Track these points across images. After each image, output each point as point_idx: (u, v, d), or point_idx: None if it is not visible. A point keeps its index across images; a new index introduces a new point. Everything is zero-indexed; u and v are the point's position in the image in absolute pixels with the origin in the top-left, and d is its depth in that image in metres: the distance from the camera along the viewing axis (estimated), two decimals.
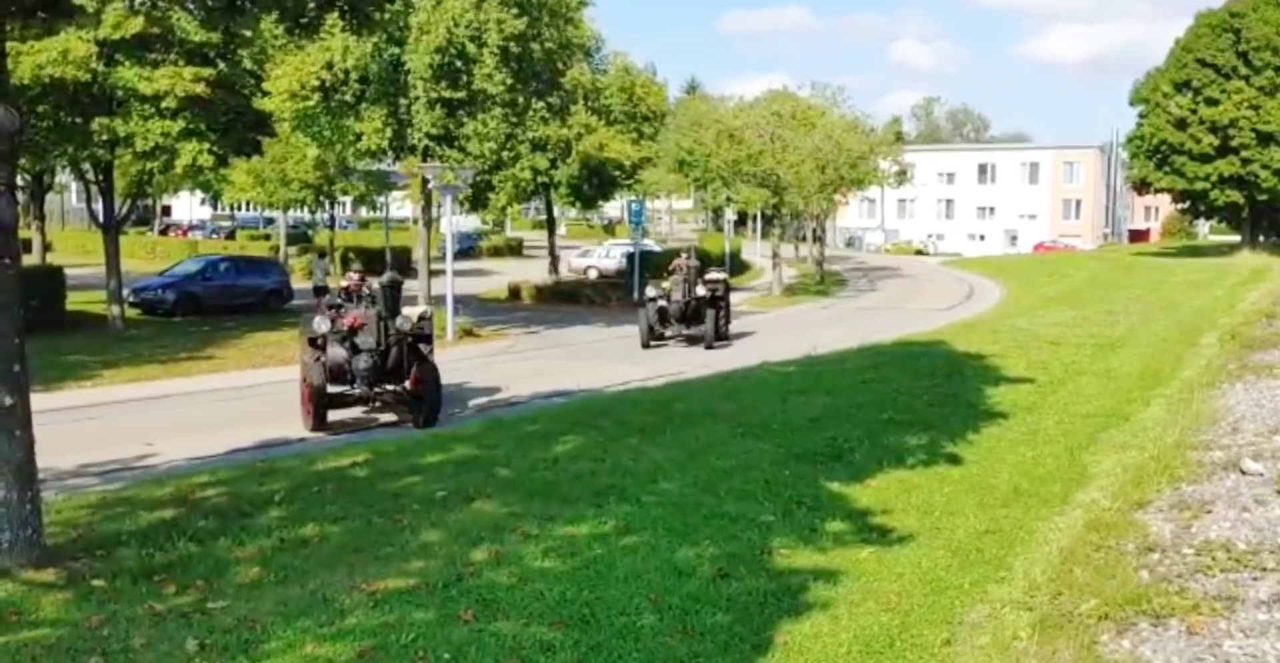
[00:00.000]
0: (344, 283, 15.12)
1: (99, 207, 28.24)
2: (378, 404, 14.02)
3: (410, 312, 13.91)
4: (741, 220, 59.22)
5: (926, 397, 12.70)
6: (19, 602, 5.86)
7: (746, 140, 41.29)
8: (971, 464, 9.43)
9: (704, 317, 23.04)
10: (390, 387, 13.67)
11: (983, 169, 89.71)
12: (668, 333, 23.63)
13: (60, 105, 24.35)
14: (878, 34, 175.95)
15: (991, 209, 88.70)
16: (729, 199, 45.19)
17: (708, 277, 24.11)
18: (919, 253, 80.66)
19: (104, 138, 25.06)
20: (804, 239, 61.43)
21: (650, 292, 24.22)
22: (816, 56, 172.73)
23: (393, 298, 13.46)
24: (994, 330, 21.50)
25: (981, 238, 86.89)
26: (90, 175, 28.42)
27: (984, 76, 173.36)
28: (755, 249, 54.53)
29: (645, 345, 22.86)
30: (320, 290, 15.69)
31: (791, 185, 42.02)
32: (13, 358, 6.28)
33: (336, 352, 13.41)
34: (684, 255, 25.44)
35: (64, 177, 44.02)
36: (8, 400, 6.24)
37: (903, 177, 51.72)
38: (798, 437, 10.38)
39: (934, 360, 16.19)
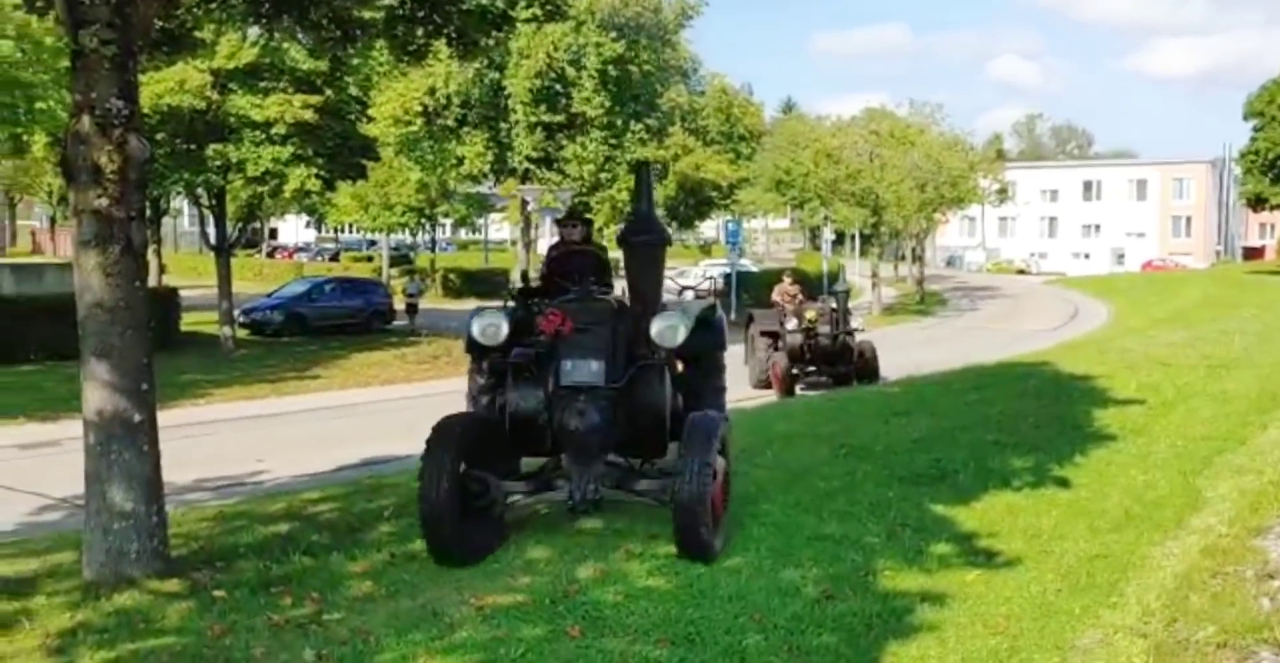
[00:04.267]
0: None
1: (211, 230, 29.22)
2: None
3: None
4: (839, 239, 58.86)
5: (1032, 419, 12.46)
6: (146, 610, 6.09)
7: (844, 159, 41.11)
8: (1080, 488, 9.23)
9: (851, 354, 19.79)
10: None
11: (1088, 186, 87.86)
12: (805, 372, 20.07)
13: (177, 133, 25.33)
14: (976, 51, 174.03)
15: (1097, 227, 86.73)
16: (827, 218, 44.97)
17: (824, 303, 20.77)
18: (1021, 272, 79.18)
19: (217, 163, 25.99)
20: (903, 258, 60.78)
21: (761, 324, 20.80)
22: (913, 75, 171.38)
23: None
24: (1101, 351, 21.00)
25: (1086, 256, 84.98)
26: (204, 200, 29.44)
27: (1088, 92, 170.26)
28: (853, 268, 54.06)
29: (762, 385, 19.57)
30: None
31: (890, 204, 41.71)
32: (142, 376, 6.56)
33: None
34: (787, 279, 22.31)
35: (178, 201, 45.61)
36: (137, 417, 6.50)
37: (1004, 194, 50.98)
38: (901, 458, 10.27)
39: (1039, 382, 15.88)
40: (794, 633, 5.74)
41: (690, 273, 49.24)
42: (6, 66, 16.65)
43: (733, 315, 36.26)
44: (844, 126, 44.80)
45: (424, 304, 34.02)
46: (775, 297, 21.31)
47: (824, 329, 19.74)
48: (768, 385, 19.34)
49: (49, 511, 10.56)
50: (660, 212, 39.09)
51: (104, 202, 6.43)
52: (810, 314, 19.92)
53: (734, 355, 16.92)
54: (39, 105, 19.72)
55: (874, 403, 14.41)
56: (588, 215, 10.24)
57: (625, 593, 6.30)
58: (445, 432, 6.87)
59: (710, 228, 70.88)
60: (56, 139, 21.61)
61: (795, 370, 19.43)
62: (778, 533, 7.68)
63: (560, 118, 27.90)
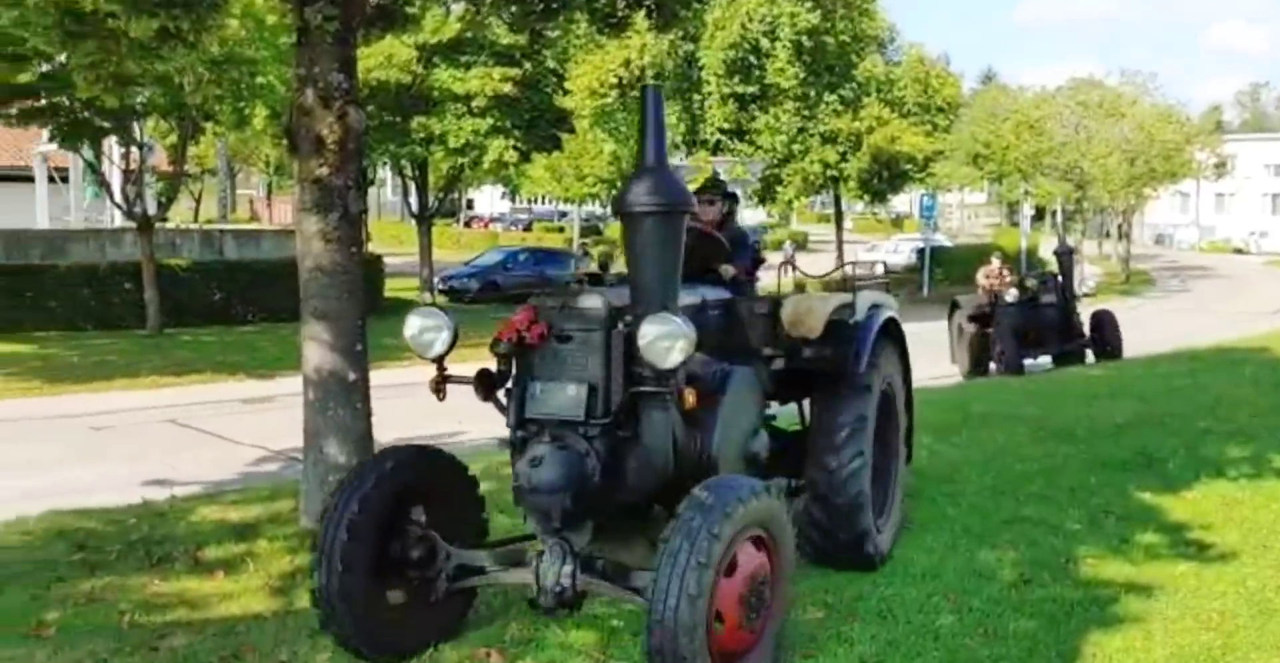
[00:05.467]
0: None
1: (414, 200, 30.36)
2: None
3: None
4: (1038, 215, 56.61)
5: (1250, 407, 11.75)
6: None
7: (1048, 131, 39.48)
8: None
9: (1079, 327, 17.69)
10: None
11: None
12: (1030, 352, 17.38)
13: (384, 106, 26.33)
14: (1193, 17, 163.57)
15: None
16: (1027, 193, 43.33)
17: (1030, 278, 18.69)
18: (1238, 252, 74.43)
19: (421, 136, 26.94)
20: (1107, 235, 58.09)
21: (967, 308, 18.02)
22: (1123, 43, 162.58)
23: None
24: None
25: None
26: (408, 171, 30.56)
27: None
28: (1053, 246, 51.93)
29: (977, 372, 17.46)
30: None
31: (1096, 179, 39.89)
32: (357, 337, 6.90)
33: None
34: (995, 261, 19.06)
35: (382, 172, 47.50)
36: (351, 376, 6.85)
37: (1222, 169, 48.00)
38: (1104, 443, 9.86)
39: (1258, 368, 14.94)
40: (990, 616, 5.61)
41: (881, 247, 48.29)
42: (232, 44, 17.59)
43: (924, 291, 35.45)
44: (1048, 97, 42.96)
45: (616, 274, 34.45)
46: (981, 279, 18.49)
47: (1048, 298, 17.45)
48: (984, 373, 17.32)
49: (267, 461, 11.21)
50: (853, 184, 38.23)
51: (325, 170, 6.76)
52: (1030, 283, 17.82)
53: (927, 342, 16.47)
54: (260, 80, 20.81)
55: (1076, 385, 13.86)
56: (732, 187, 7.09)
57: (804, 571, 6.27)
58: (370, 467, 5.04)
59: (903, 202, 69.26)
60: (275, 112, 22.81)
61: (1018, 350, 16.92)
62: (972, 513, 7.51)
63: (753, 89, 27.75)
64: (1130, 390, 13.03)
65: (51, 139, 22.83)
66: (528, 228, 64.30)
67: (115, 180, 22.90)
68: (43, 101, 19.58)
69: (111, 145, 23.21)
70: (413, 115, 27.11)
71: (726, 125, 27.98)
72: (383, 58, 25.17)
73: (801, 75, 28.02)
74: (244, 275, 24.77)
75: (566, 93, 28.43)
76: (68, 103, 19.33)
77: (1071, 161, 39.42)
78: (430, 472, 5.24)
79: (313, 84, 6.80)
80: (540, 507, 4.69)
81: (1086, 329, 17.93)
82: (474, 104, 27.08)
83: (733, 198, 6.82)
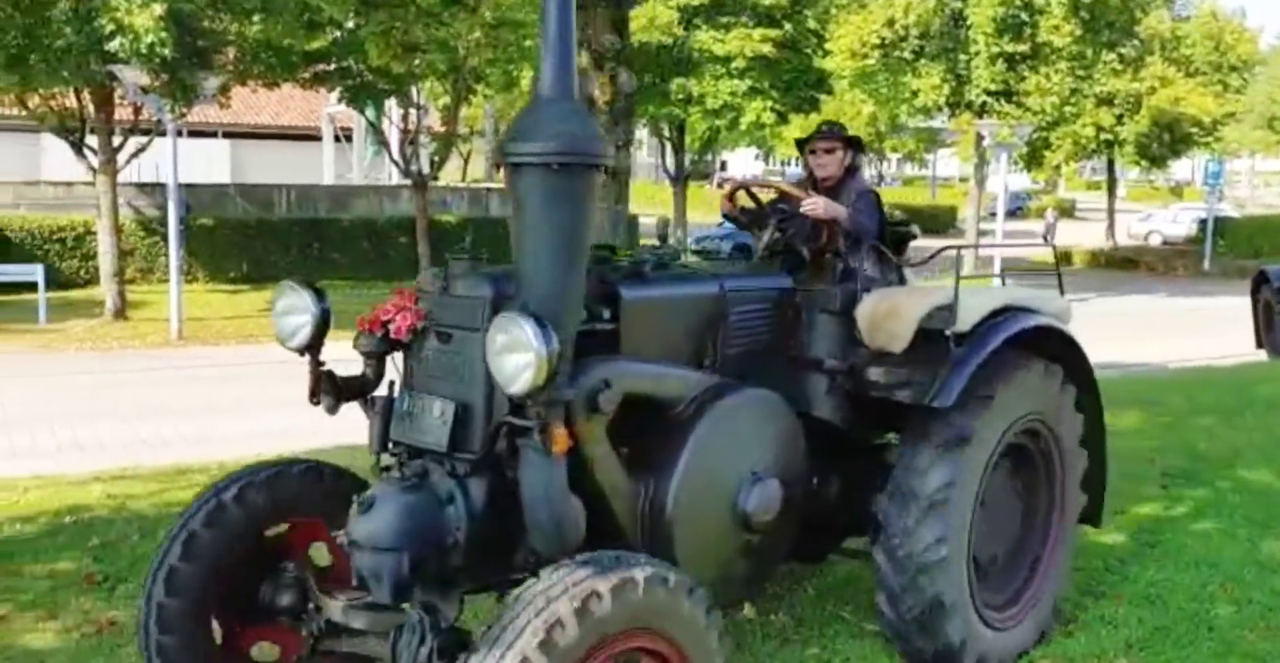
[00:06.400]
0: None
1: (670, 161, 30.78)
2: None
3: None
4: None
5: None
6: None
7: None
8: None
9: None
10: None
11: None
12: None
13: (645, 67, 26.71)
14: None
15: None
16: None
17: None
18: None
19: (680, 97, 27.21)
20: None
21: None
22: None
23: None
24: None
25: None
26: (665, 132, 30.97)
27: None
28: None
29: None
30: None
31: None
32: None
33: None
34: None
35: (638, 132, 48.31)
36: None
37: None
38: None
39: None
40: (1273, 610, 5.26)
41: (1157, 217, 45.31)
42: (504, 8, 18.25)
43: (1206, 264, 33.14)
44: None
45: None
46: None
47: None
48: None
49: None
50: (1129, 148, 35.94)
51: None
52: None
53: (1212, 318, 15.25)
54: (528, 43, 21.54)
55: None
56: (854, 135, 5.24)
57: (1079, 548, 6.04)
58: (209, 496, 3.84)
59: (1183, 168, 64.73)
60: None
61: None
62: (1255, 501, 7.03)
63: (1024, 47, 26.42)
64: None
65: (339, 101, 24.43)
66: None
67: (394, 140, 24.30)
68: (332, 66, 20.97)
69: (391, 107, 24.61)
70: (672, 77, 27.42)
71: (993, 86, 26.77)
72: (645, 20, 25.50)
73: (1078, 33, 26.45)
74: (508, 231, 25.79)
75: (827, 54, 28.00)
76: (354, 67, 20.61)
77: None
78: (313, 494, 3.95)
79: (586, 46, 7.00)
80: (366, 569, 3.43)
81: None
82: (733, 65, 27.12)
83: (856, 145, 5.14)
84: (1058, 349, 4.87)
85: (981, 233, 28.50)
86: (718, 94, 27.16)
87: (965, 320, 4.45)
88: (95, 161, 18.10)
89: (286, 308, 3.85)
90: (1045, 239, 39.66)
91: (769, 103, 27.53)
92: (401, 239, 24.14)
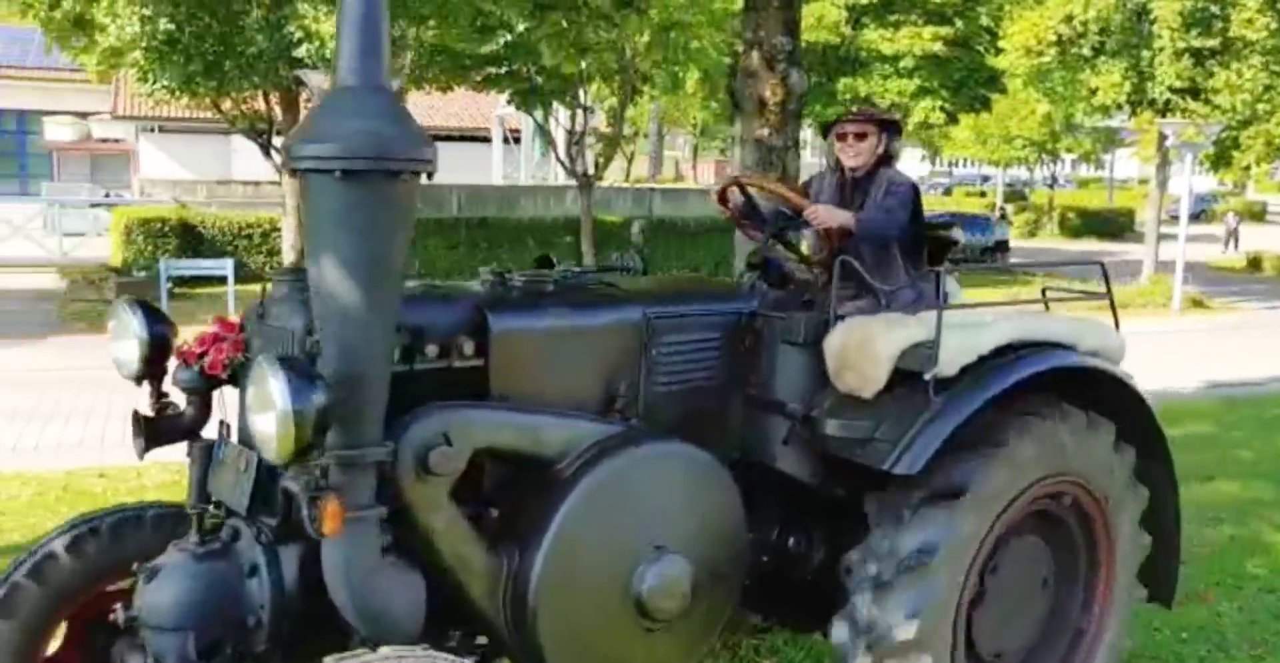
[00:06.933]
0: None
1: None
2: None
3: None
4: None
5: None
6: None
7: None
8: None
9: None
10: None
11: None
12: None
13: (811, 67, 26.50)
14: None
15: None
16: None
17: None
18: None
19: (847, 97, 26.91)
20: None
21: None
22: None
23: None
24: None
25: None
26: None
27: None
28: None
29: None
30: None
31: None
32: None
33: None
34: None
35: (803, 133, 47.94)
36: None
37: None
38: None
39: None
40: None
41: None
42: (671, 10, 18.40)
43: None
44: None
45: (1039, 243, 33.03)
46: None
47: None
48: None
49: None
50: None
51: (765, 131, 6.99)
52: None
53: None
54: (694, 45, 21.66)
55: None
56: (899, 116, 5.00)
57: (1271, 565, 5.76)
58: (56, 534, 3.34)
59: None
60: (707, 75, 23.67)
61: None
62: None
63: (1213, 42, 25.16)
64: None
65: (509, 103, 25.02)
66: (947, 192, 62.61)
67: (560, 141, 24.72)
68: (503, 69, 21.53)
69: (558, 109, 25.08)
70: (838, 76, 27.14)
71: (1179, 83, 25.58)
72: (813, 19, 25.31)
73: (1273, 26, 25.04)
74: (670, 231, 26.00)
75: (1000, 52, 27.26)
76: (525, 70, 21.12)
77: None
78: (166, 544, 3.15)
79: (758, 46, 7.01)
80: (152, 650, 2.94)
81: None
82: (901, 64, 26.68)
83: (893, 129, 4.33)
84: (1111, 397, 3.95)
85: (1162, 237, 27.28)
86: (885, 94, 26.74)
87: (952, 361, 3.55)
88: (281, 162, 19.06)
89: (117, 331, 3.31)
90: (1228, 244, 37.73)
91: (938, 102, 26.98)
92: (566, 238, 24.58)
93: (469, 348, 3.18)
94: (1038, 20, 26.12)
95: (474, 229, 25.00)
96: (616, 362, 3.51)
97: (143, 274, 20.04)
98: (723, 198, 4.36)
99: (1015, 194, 56.32)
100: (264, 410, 2.69)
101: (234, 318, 3.27)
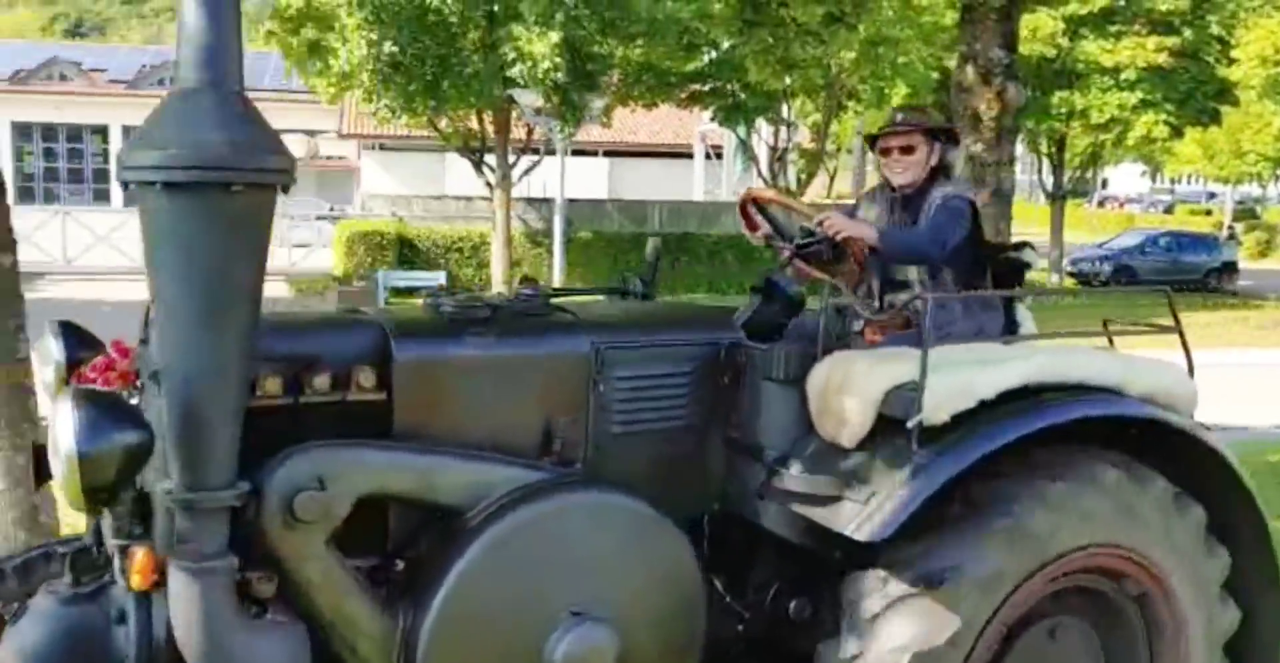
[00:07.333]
0: None
1: (1048, 178, 29.44)
2: None
3: None
4: None
5: None
6: None
7: None
8: None
9: None
10: None
11: None
12: None
13: (1024, 80, 25.65)
14: None
15: None
16: None
17: None
18: None
19: (1062, 111, 25.96)
20: None
21: None
22: None
23: None
24: None
25: None
26: (1043, 147, 29.64)
27: None
28: None
29: None
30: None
31: None
32: None
33: None
34: None
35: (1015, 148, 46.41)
36: None
37: None
38: None
39: None
40: None
41: None
42: (879, 24, 18.22)
43: None
44: None
45: (1272, 265, 30.97)
46: None
47: None
48: None
49: None
50: None
51: (979, 147, 6.81)
52: None
53: None
54: (902, 60, 21.35)
55: None
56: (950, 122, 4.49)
57: None
58: None
59: None
60: (914, 90, 23.27)
61: None
62: None
63: None
64: None
65: (712, 119, 25.21)
66: (1169, 210, 59.39)
67: (763, 157, 24.71)
68: (707, 86, 21.73)
69: (761, 124, 25.10)
70: (1053, 90, 26.19)
71: None
72: (1027, 31, 24.52)
73: None
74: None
75: (1232, 62, 25.75)
76: (728, 87, 21.27)
77: None
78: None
79: (973, 60, 6.85)
80: None
81: None
82: (1122, 77, 25.51)
83: (948, 138, 3.83)
84: (1179, 450, 3.25)
85: None
86: (1104, 107, 25.62)
87: (940, 406, 2.91)
88: (492, 178, 19.77)
89: (40, 354, 3.09)
90: None
91: (1162, 115, 25.66)
92: (767, 254, 24.52)
93: (368, 380, 2.82)
94: (1276, 28, 24.58)
95: (673, 244, 25.23)
96: (556, 399, 3.05)
97: (362, 284, 21.09)
98: (746, 216, 3.97)
99: (1246, 212, 53.02)
100: (54, 452, 2.46)
101: (132, 343, 2.96)
